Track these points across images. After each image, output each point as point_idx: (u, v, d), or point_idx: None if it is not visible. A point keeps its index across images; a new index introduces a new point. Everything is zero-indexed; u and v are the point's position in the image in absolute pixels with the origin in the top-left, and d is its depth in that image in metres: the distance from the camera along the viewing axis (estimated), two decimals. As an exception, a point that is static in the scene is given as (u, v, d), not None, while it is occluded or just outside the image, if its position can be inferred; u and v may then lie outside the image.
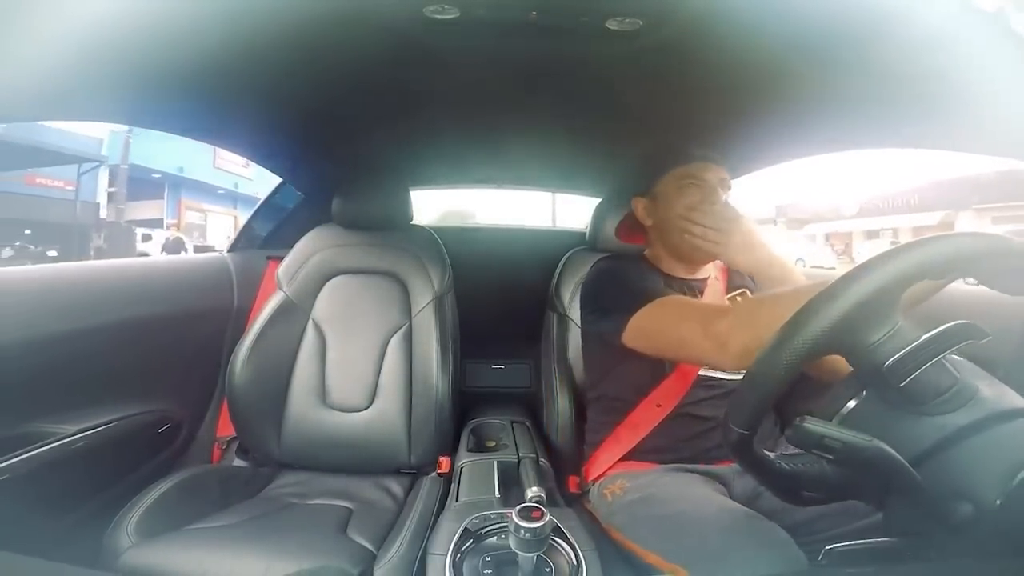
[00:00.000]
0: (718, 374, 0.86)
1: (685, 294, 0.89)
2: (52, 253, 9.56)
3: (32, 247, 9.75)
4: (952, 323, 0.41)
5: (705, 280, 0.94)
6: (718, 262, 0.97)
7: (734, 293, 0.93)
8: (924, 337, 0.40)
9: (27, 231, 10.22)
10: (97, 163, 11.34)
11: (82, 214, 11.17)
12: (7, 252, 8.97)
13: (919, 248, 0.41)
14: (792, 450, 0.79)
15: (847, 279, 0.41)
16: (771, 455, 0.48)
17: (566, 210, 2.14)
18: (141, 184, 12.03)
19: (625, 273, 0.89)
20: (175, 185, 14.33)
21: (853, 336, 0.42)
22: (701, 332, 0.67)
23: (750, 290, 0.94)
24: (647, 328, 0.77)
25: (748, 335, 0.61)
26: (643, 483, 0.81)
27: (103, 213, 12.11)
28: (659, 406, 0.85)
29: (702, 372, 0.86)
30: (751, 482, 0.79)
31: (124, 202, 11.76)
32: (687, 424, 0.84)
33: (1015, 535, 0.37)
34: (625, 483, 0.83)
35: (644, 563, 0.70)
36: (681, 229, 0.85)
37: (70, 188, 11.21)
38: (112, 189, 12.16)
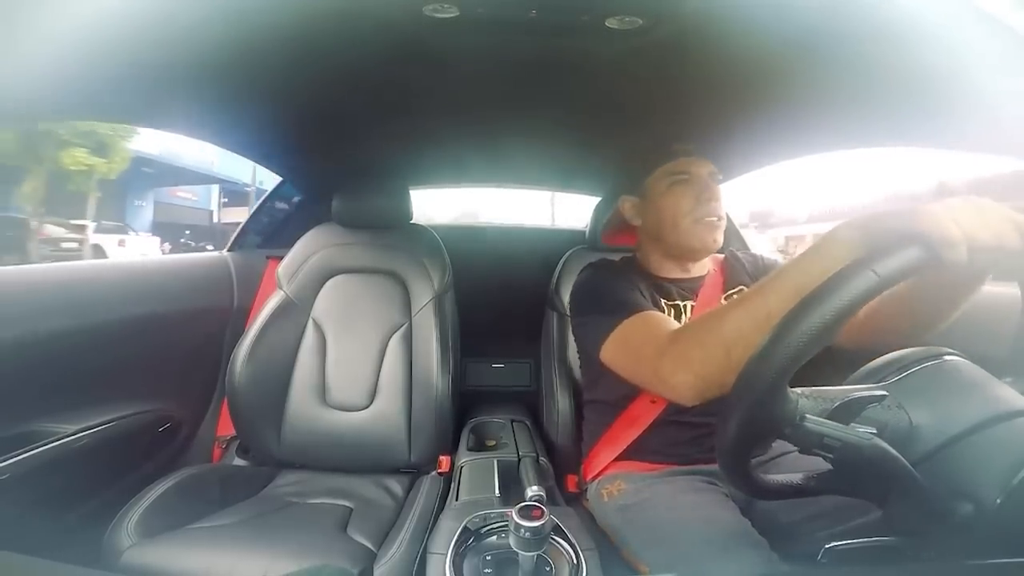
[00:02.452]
0: None
1: (674, 298, 0.88)
2: (210, 247, 11.53)
3: (192, 244, 12.69)
4: (841, 401, 0.39)
5: (702, 278, 0.92)
6: (716, 256, 0.96)
7: (731, 291, 0.91)
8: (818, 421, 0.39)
9: (187, 231, 13.88)
10: (242, 184, 14.90)
11: (213, 219, 15.80)
12: (167, 247, 11.41)
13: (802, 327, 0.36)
14: (789, 448, 0.80)
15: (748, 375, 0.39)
16: (765, 477, 0.48)
17: (565, 209, 2.14)
18: (236, 195, 16.09)
19: (607, 283, 0.86)
20: (258, 196, 16.78)
21: (773, 423, 0.40)
22: (652, 375, 0.66)
23: (747, 287, 0.91)
24: (616, 359, 0.76)
25: (690, 377, 0.60)
26: (640, 487, 0.81)
27: (215, 219, 16.78)
28: (654, 402, 0.85)
29: None
30: None
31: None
32: (682, 430, 0.84)
33: (1015, 535, 0.37)
34: (623, 484, 0.84)
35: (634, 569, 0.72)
36: (679, 227, 0.85)
37: (195, 199, 16.12)
38: (224, 200, 17.24)
